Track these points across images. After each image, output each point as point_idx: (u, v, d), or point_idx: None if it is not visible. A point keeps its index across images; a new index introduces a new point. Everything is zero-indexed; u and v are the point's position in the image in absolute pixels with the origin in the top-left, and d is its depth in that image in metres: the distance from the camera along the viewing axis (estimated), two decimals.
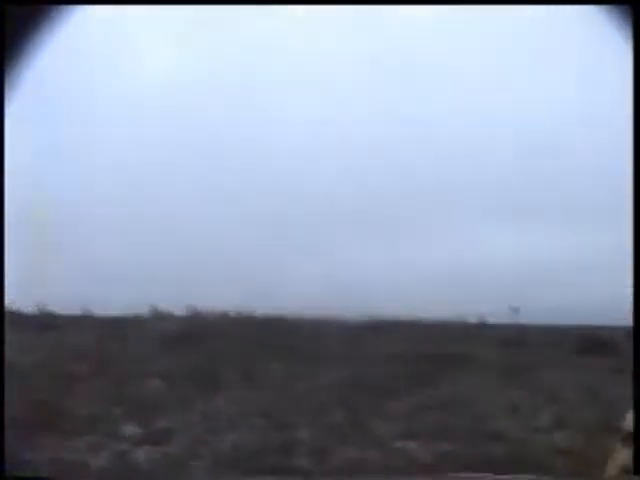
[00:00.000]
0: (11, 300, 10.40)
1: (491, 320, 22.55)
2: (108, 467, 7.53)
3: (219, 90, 16.85)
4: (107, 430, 9.01)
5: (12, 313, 11.17)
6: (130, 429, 9.09)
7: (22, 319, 13.86)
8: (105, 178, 15.62)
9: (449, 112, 16.50)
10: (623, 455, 3.35)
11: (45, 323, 16.10)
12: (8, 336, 6.42)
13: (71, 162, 15.12)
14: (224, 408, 10.39)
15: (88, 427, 9.09)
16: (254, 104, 16.50)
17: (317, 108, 15.41)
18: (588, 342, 15.62)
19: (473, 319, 23.86)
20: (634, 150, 2.87)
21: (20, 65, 1.75)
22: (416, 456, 7.94)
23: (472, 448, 8.29)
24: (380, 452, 8.24)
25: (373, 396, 11.58)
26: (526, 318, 18.97)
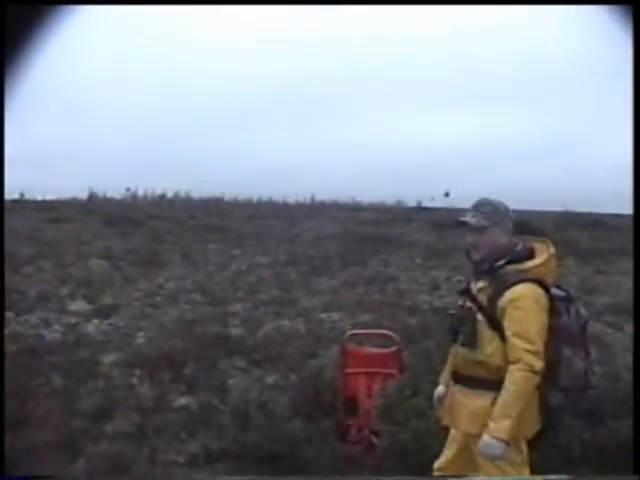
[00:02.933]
0: None
1: (427, 204, 24.23)
2: (61, 338, 8.67)
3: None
4: (57, 307, 10.16)
5: None
6: (78, 305, 10.26)
7: None
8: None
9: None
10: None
11: None
12: None
13: None
14: (164, 285, 11.68)
15: (39, 304, 10.22)
16: None
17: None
18: (514, 225, 17.33)
19: (412, 203, 25.60)
20: (634, 150, 2.98)
21: (20, 65, 1.79)
22: (338, 325, 9.36)
23: (389, 319, 9.74)
24: (306, 323, 9.63)
25: (304, 274, 12.99)
26: (458, 202, 20.51)
